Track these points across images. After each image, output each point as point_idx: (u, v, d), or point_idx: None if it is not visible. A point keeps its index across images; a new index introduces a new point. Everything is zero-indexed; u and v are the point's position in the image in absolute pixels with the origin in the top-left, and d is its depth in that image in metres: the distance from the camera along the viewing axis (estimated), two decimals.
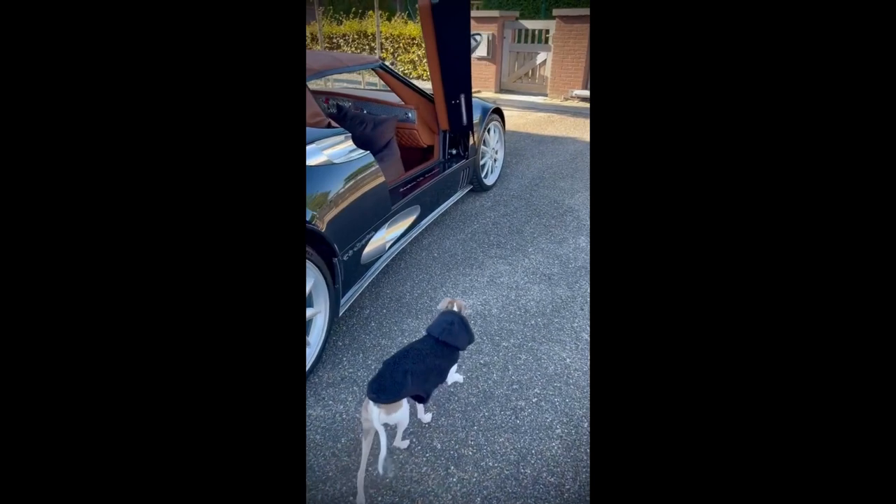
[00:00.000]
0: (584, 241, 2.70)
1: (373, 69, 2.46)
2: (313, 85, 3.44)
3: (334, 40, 10.37)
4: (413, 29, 8.70)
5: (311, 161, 1.66)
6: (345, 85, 6.02)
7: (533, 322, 1.98)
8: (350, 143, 1.91)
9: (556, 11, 6.56)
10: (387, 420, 1.16)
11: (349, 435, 1.44)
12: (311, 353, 1.66)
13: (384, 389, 1.16)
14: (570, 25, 6.50)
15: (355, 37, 9.83)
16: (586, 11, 6.35)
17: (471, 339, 1.43)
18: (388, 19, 9.61)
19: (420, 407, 1.46)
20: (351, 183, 1.82)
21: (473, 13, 6.93)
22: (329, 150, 1.78)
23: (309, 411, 1.53)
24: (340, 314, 1.82)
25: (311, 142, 1.72)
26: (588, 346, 1.85)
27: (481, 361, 1.75)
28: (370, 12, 9.58)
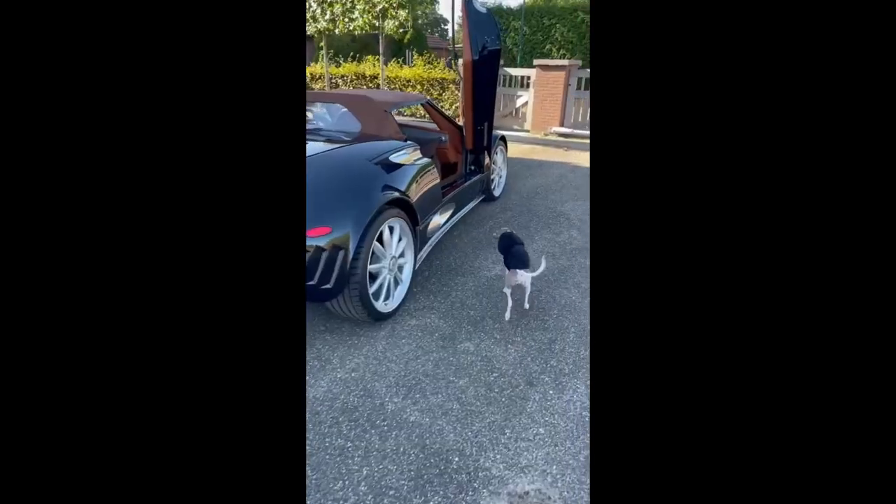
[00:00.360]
0: (577, 234, 3.58)
1: (421, 104, 3.34)
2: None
3: (333, 80, 11.37)
4: (408, 72, 9.80)
5: (400, 160, 2.49)
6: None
7: (545, 280, 2.80)
8: (419, 153, 2.75)
9: (536, 61, 7.78)
10: (526, 279, 2.27)
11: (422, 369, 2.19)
12: (402, 291, 2.42)
13: (525, 264, 2.28)
14: (547, 73, 7.72)
15: (353, 77, 10.87)
16: (562, 62, 7.63)
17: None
18: (386, 63, 10.71)
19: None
20: (422, 178, 2.64)
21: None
22: (407, 156, 2.61)
23: (392, 348, 2.27)
24: (417, 266, 2.60)
25: (401, 149, 2.55)
26: (587, 294, 2.67)
27: (517, 302, 2.54)
28: (367, 57, 10.68)
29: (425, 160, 2.74)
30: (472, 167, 3.87)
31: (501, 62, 7.27)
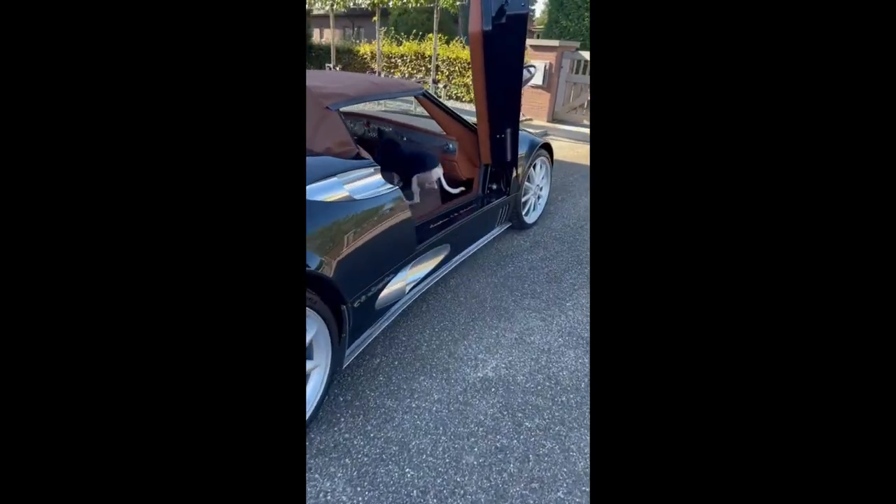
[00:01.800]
0: None
1: (415, 97, 2.30)
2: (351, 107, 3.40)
3: (392, 60, 10.55)
4: (468, 53, 8.70)
5: (328, 196, 1.50)
6: (399, 105, 6.01)
7: (564, 399, 1.70)
8: (378, 177, 1.74)
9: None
10: None
11: None
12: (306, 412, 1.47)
13: None
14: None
15: (413, 58, 9.95)
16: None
17: None
18: (447, 42, 9.67)
19: None
20: (372, 221, 1.64)
21: (531, 41, 6.83)
22: (352, 185, 1.61)
23: None
24: (346, 365, 1.63)
25: (334, 174, 1.56)
26: None
27: (497, 444, 1.49)
28: (429, 35, 9.67)
29: (385, 190, 1.74)
30: (493, 186, 2.78)
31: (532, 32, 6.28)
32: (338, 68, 9.38)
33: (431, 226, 2.24)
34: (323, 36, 17.38)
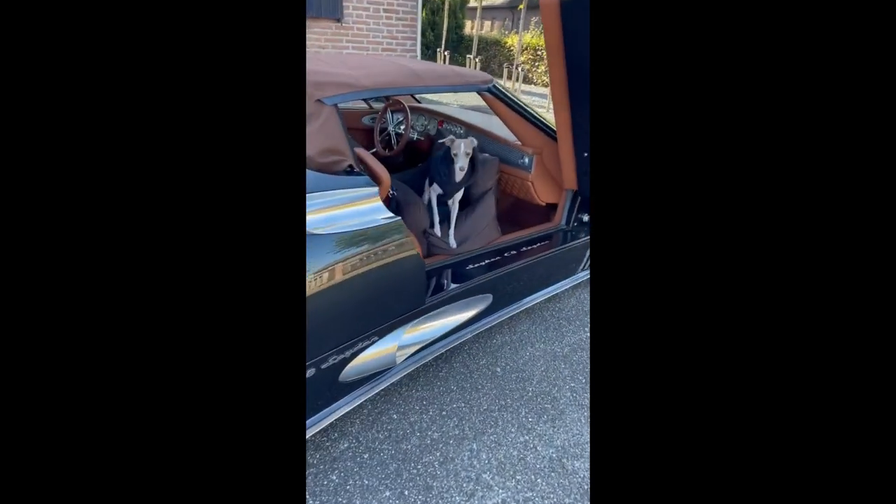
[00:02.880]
0: None
1: (479, 93, 1.73)
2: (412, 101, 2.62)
3: (539, 52, 9.85)
4: None
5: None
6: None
7: None
8: (375, 203, 1.24)
9: None
10: None
11: None
12: None
13: None
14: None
15: None
16: None
17: None
18: None
19: None
20: (350, 264, 1.15)
21: None
22: (327, 212, 1.14)
23: None
24: None
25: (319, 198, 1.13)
26: None
27: None
28: None
29: (379, 221, 1.24)
30: (584, 218, 2.07)
31: None
32: (477, 60, 9.03)
33: (468, 266, 1.67)
34: (482, 27, 17.25)
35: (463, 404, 1.55)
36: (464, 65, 9.56)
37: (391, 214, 1.27)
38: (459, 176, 1.66)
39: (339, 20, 4.95)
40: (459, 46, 12.38)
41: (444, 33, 10.18)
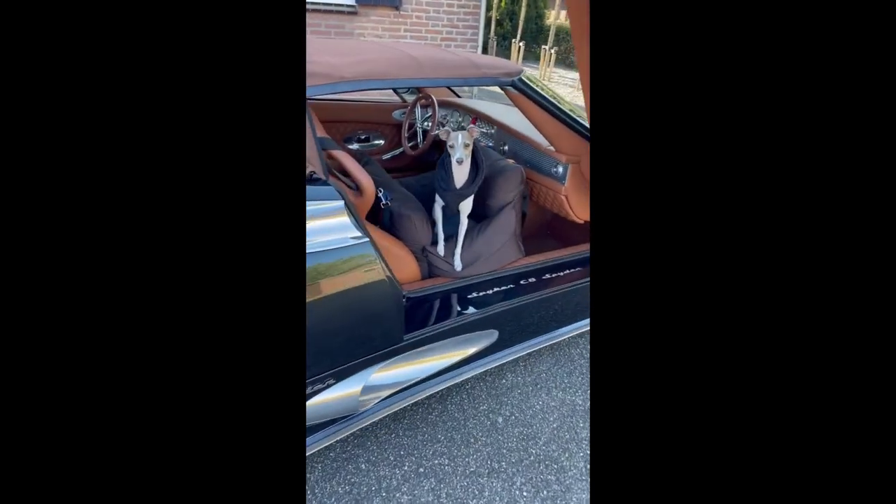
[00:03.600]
0: None
1: (501, 87, 1.44)
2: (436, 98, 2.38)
3: None
4: None
5: None
6: None
7: None
8: (342, 219, 1.03)
9: None
10: None
11: None
12: None
13: None
14: None
15: None
16: None
17: None
18: None
19: None
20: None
21: None
22: None
23: None
24: None
25: None
26: None
27: None
28: None
29: (346, 242, 1.02)
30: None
31: None
32: (553, 51, 8.46)
33: (472, 294, 1.40)
34: (564, 17, 16.37)
35: (447, 461, 1.30)
36: (538, 57, 9.05)
37: (360, 234, 1.04)
38: (459, 176, 1.37)
39: (397, 8, 4.77)
40: (539, 37, 11.79)
41: (521, 23, 9.69)
